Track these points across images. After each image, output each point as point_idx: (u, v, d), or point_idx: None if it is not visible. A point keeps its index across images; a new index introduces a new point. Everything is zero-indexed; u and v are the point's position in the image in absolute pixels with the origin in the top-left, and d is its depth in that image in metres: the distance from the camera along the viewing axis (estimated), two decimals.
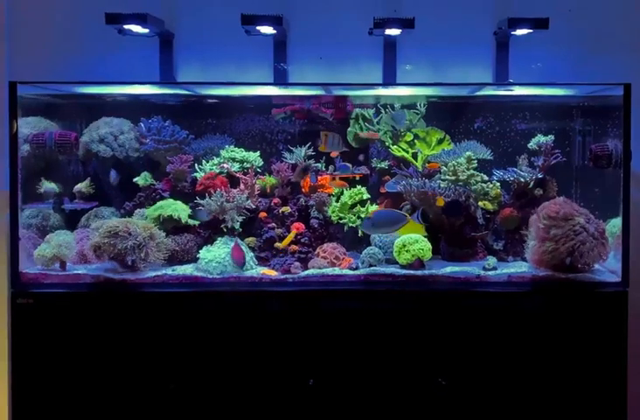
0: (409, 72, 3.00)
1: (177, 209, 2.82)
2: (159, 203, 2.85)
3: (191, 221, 2.83)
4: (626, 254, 2.57)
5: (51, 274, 2.61)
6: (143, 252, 2.59)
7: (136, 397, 2.53)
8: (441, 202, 2.77)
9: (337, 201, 2.93)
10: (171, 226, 2.81)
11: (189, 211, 2.85)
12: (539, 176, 2.91)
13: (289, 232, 2.83)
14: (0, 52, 2.87)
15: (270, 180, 2.97)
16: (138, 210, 2.90)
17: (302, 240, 2.82)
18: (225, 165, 2.93)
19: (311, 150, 2.98)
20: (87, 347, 2.52)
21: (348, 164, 2.92)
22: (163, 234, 2.70)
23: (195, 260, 2.74)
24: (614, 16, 2.99)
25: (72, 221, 2.95)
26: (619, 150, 2.63)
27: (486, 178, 2.90)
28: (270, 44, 2.95)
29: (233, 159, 2.99)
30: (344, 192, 2.93)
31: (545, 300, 2.56)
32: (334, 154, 2.94)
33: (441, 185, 2.82)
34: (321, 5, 3.00)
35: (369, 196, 2.96)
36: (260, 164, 3.01)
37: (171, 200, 2.87)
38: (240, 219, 2.81)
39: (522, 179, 2.90)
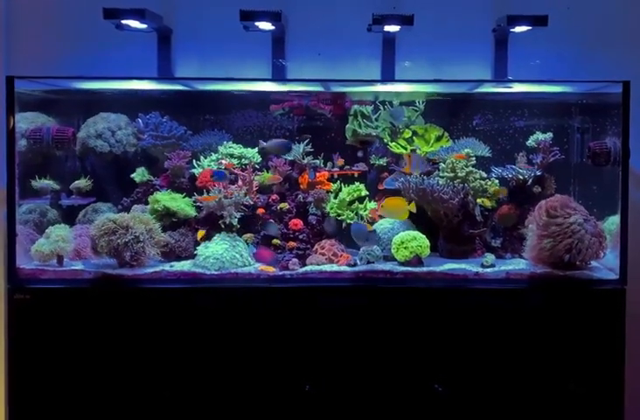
0: (408, 69, 2.99)
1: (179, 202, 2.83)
2: (158, 195, 2.85)
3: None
4: (624, 251, 2.57)
5: (48, 270, 2.61)
6: (141, 247, 2.58)
7: (133, 394, 2.52)
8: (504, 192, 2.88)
9: (335, 198, 2.93)
10: (170, 221, 2.81)
11: (190, 203, 2.86)
12: (538, 173, 2.91)
13: (288, 229, 2.84)
14: None
15: (268, 176, 2.96)
16: (136, 206, 2.89)
17: (301, 236, 2.82)
18: (223, 162, 2.92)
19: (309, 146, 2.98)
20: (85, 343, 2.51)
21: (224, 170, 2.88)
22: (159, 228, 2.70)
23: (193, 256, 2.73)
24: (612, 13, 2.99)
25: (69, 217, 2.94)
26: (617, 147, 2.63)
27: (485, 175, 2.90)
28: (269, 40, 2.94)
29: (231, 155, 2.98)
30: (343, 188, 2.93)
31: (543, 297, 2.56)
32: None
33: (440, 182, 2.82)
34: (320, 1, 2.99)
35: (367, 193, 2.96)
36: (259, 161, 3.01)
37: (171, 193, 2.88)
38: (239, 215, 2.80)
39: (520, 177, 2.90)
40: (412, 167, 2.82)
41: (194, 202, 2.85)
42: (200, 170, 2.94)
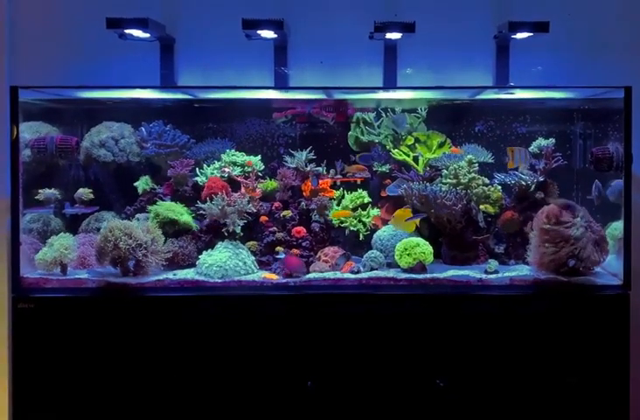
0: (410, 76, 3.00)
1: (180, 212, 2.83)
2: (161, 205, 2.85)
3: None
4: (628, 257, 2.56)
5: (51, 278, 2.61)
6: (145, 255, 2.59)
7: (137, 401, 2.52)
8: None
9: (338, 205, 2.93)
10: (173, 229, 2.81)
11: (189, 214, 2.87)
12: (540, 179, 2.91)
13: (290, 236, 2.84)
14: (1, 56, 2.87)
15: (271, 184, 2.97)
16: (139, 214, 2.90)
17: (304, 244, 2.82)
18: (226, 170, 2.93)
19: (312, 153, 2.98)
20: (88, 352, 2.51)
21: (368, 153, 2.96)
22: (162, 237, 2.71)
23: (196, 264, 2.74)
24: (614, 19, 2.99)
25: (73, 226, 2.95)
26: (620, 153, 2.63)
27: (487, 181, 2.90)
28: (271, 48, 2.96)
29: (234, 163, 2.99)
30: (346, 195, 2.94)
31: (547, 303, 2.55)
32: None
33: (443, 189, 2.82)
34: (321, 10, 3.00)
35: (370, 200, 2.96)
36: (262, 168, 3.01)
37: (172, 203, 2.88)
38: (242, 223, 2.81)
39: (523, 183, 2.90)
40: (515, 161, 2.81)
41: (197, 210, 2.86)
42: (204, 178, 2.94)
